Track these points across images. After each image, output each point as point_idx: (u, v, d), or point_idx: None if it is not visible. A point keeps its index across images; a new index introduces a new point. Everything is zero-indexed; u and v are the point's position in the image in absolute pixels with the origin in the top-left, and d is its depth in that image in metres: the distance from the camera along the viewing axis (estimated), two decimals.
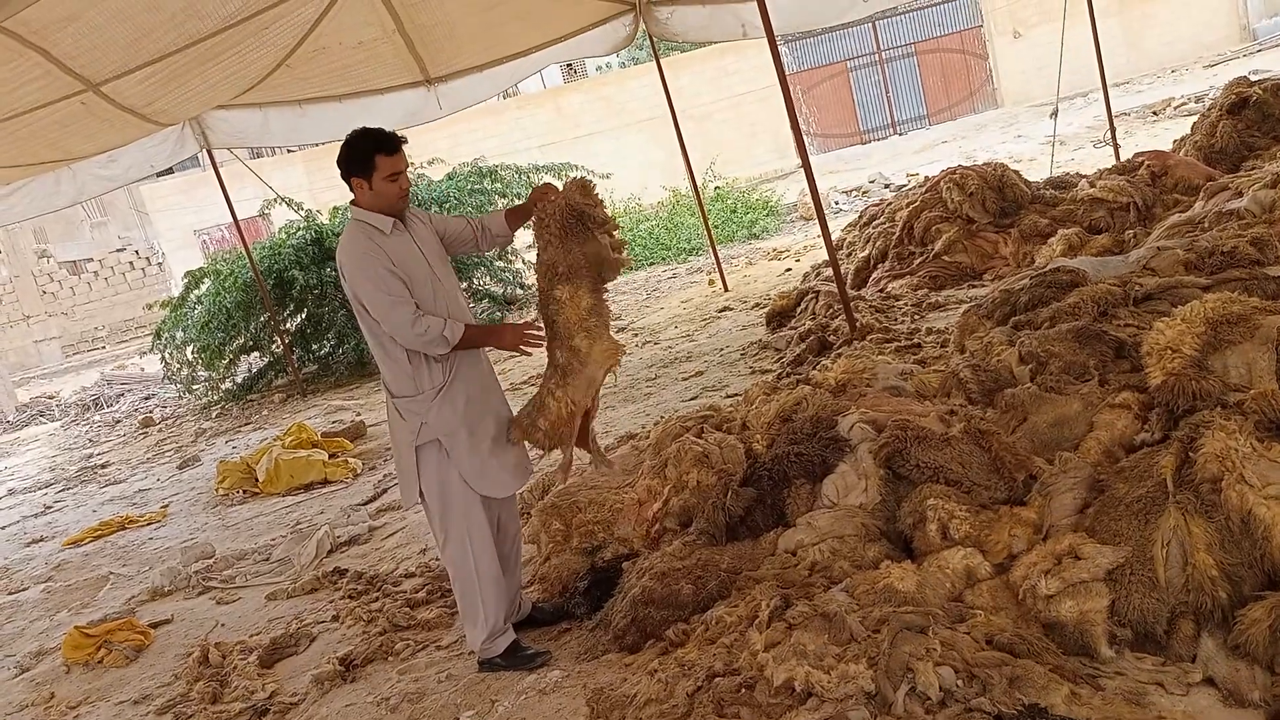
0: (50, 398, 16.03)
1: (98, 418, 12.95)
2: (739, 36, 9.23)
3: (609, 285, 3.51)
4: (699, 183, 11.09)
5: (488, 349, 3.51)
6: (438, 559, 4.46)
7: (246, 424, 9.97)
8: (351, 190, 3.32)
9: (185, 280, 11.52)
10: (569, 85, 26.32)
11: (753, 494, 3.58)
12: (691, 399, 6.32)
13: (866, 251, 8.47)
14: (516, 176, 12.28)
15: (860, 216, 9.48)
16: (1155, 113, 16.17)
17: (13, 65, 5.25)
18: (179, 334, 11.18)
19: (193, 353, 11.16)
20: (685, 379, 6.95)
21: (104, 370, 16.94)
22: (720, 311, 9.27)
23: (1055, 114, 11.34)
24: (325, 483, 6.79)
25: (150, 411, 12.08)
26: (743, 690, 2.68)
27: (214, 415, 10.85)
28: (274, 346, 11.22)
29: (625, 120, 23.35)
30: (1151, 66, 22.01)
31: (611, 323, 3.50)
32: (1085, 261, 4.90)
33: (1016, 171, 8.15)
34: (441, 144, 16.31)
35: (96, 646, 4.50)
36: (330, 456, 7.12)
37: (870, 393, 4.05)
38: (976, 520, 3.06)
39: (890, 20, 24.02)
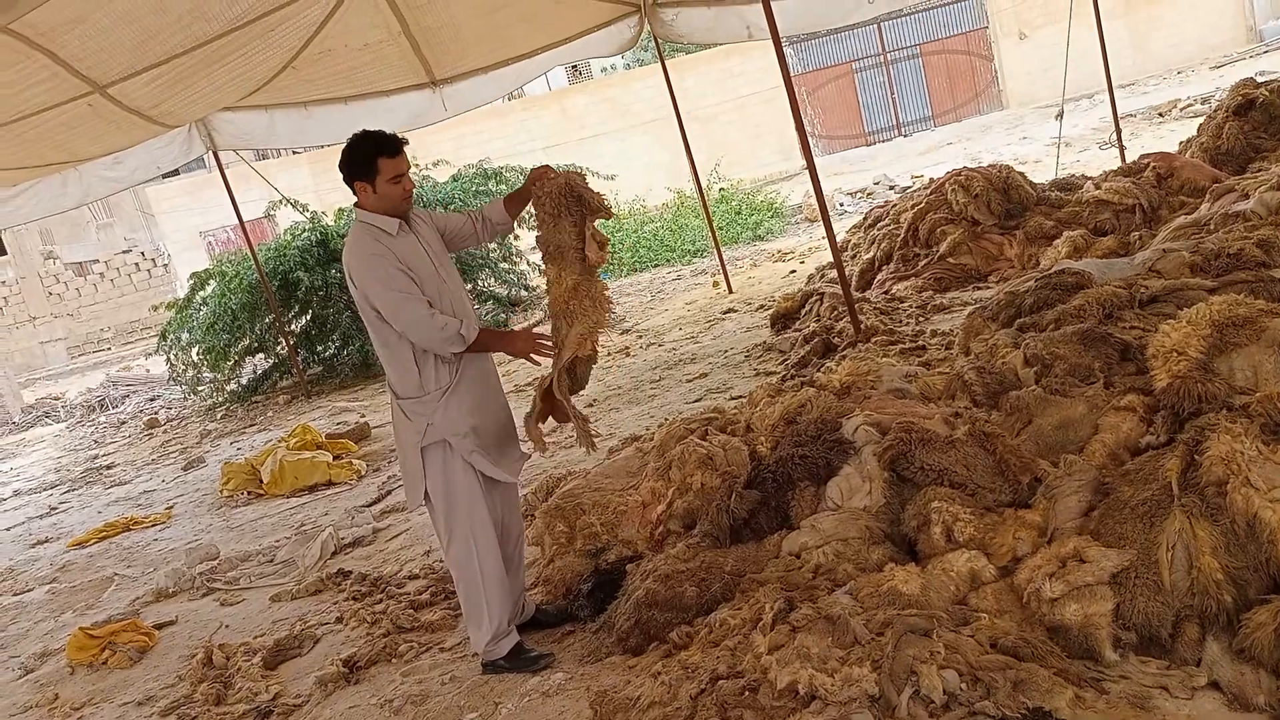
0: (56, 399, 16.08)
1: (103, 419, 12.99)
2: (744, 38, 9.23)
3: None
4: (704, 184, 11.09)
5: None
6: (442, 561, 4.46)
7: (251, 425, 9.99)
8: (355, 194, 3.32)
9: (191, 282, 11.55)
10: (574, 87, 26.34)
11: (757, 496, 3.57)
12: (696, 401, 6.32)
13: (871, 253, 8.46)
14: (521, 178, 12.28)
15: (865, 218, 9.47)
16: (1161, 114, 16.13)
17: (20, 67, 5.26)
18: (184, 335, 11.20)
19: (198, 354, 11.19)
20: (689, 381, 6.95)
21: (109, 371, 16.99)
22: (725, 313, 9.27)
23: (1060, 115, 11.32)
24: (330, 484, 6.80)
25: (155, 413, 12.11)
26: (746, 693, 2.67)
27: (219, 417, 10.87)
28: (279, 348, 11.24)
29: (630, 122, 23.36)
30: (1157, 68, 21.96)
31: (607, 308, 3.47)
32: (1090, 264, 4.89)
33: (1022, 173, 8.13)
34: (446, 146, 16.33)
35: (101, 648, 4.51)
36: (335, 458, 7.13)
37: (875, 395, 4.04)
38: (981, 523, 3.05)
39: (895, 21, 23.99)
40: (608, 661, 3.29)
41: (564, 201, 3.36)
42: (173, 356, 11.46)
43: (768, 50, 7.01)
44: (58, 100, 6.02)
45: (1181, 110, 15.79)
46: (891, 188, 15.27)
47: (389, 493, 6.23)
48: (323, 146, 12.31)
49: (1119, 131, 10.45)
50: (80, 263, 26.96)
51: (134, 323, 25.91)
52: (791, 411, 3.91)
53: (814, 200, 6.73)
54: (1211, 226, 5.32)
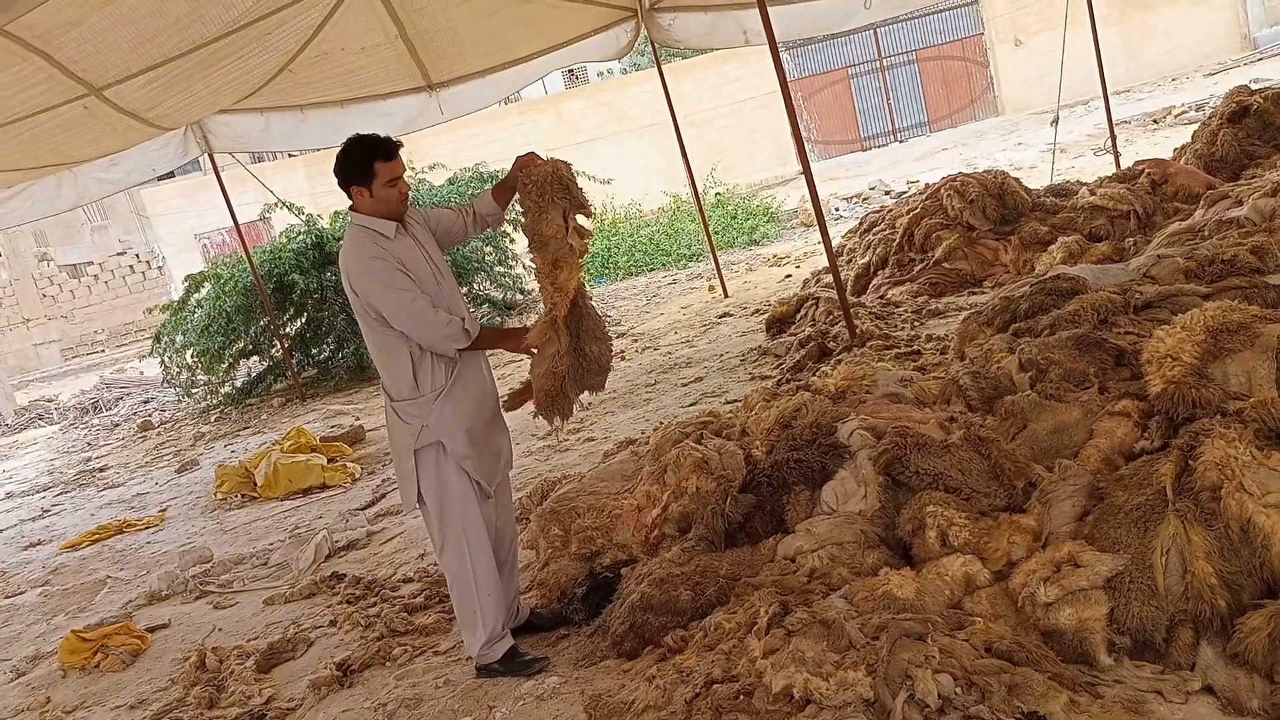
0: (49, 401, 16.03)
1: (96, 421, 12.95)
2: (741, 43, 9.25)
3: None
4: (700, 189, 11.10)
5: (488, 353, 3.51)
6: (436, 564, 4.46)
7: (245, 428, 9.96)
8: (350, 198, 3.31)
9: (185, 284, 11.52)
10: (570, 91, 26.37)
11: (752, 500, 3.57)
12: (691, 405, 6.32)
13: (867, 258, 8.47)
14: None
15: (861, 223, 9.49)
16: (1156, 121, 16.18)
17: (16, 69, 5.26)
18: (179, 338, 11.17)
19: (192, 356, 11.15)
20: (685, 385, 6.95)
21: (103, 374, 16.94)
22: (720, 317, 9.27)
23: (1056, 122, 11.37)
24: (324, 487, 6.78)
25: (149, 415, 12.08)
26: (741, 697, 2.67)
27: (213, 419, 10.84)
28: (273, 351, 11.22)
29: (627, 126, 23.39)
30: (1152, 75, 22.04)
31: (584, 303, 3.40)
32: (1085, 269, 4.90)
33: (1017, 179, 8.16)
34: (443, 149, 16.33)
35: (93, 651, 4.49)
36: (329, 461, 7.12)
37: (870, 399, 4.05)
38: (976, 527, 3.05)
39: (892, 27, 24.06)
40: (602, 665, 3.28)
41: (550, 191, 3.31)
42: (167, 359, 11.43)
43: (764, 55, 7.02)
44: (54, 102, 6.02)
45: (1176, 117, 15.85)
46: (887, 193, 15.30)
47: (383, 496, 6.22)
48: (318, 149, 12.33)
49: (1114, 138, 10.48)
50: (74, 265, 26.89)
51: (128, 325, 25.85)
52: (787, 416, 3.91)
53: (810, 205, 6.75)
54: (1206, 233, 5.34)
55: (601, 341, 3.46)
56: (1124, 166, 8.51)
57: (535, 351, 3.38)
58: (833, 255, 6.78)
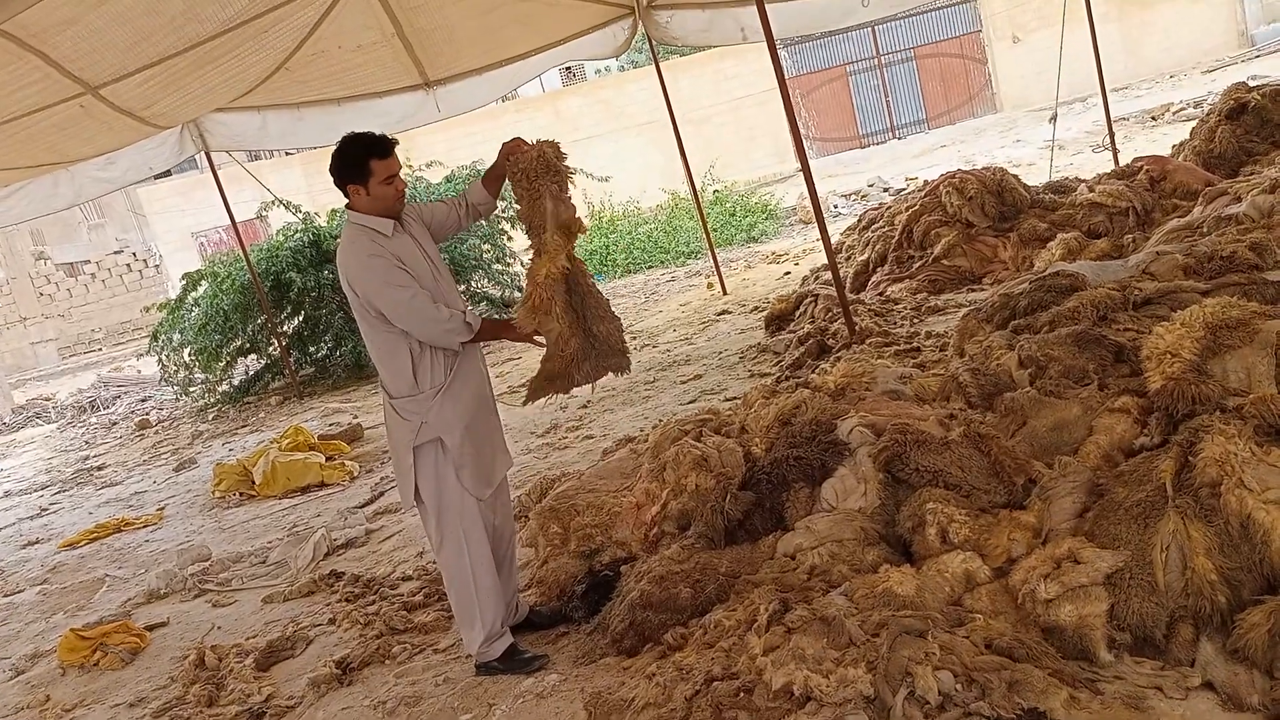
0: (47, 399, 16.00)
1: (94, 420, 12.93)
2: (738, 40, 9.24)
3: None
4: (698, 186, 11.09)
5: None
6: (434, 562, 4.45)
7: (243, 426, 9.95)
8: (347, 196, 3.30)
9: (183, 282, 11.51)
10: (568, 88, 26.36)
11: (751, 498, 3.57)
12: (690, 402, 6.32)
13: (865, 255, 8.47)
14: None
15: (859, 220, 9.49)
16: (1154, 118, 16.19)
17: (12, 68, 5.25)
18: (176, 336, 11.16)
19: (190, 355, 11.14)
20: (684, 382, 6.95)
21: (101, 372, 16.92)
22: (719, 315, 9.27)
23: (1054, 119, 11.35)
24: (322, 485, 6.78)
25: (147, 414, 12.06)
26: (741, 694, 2.67)
27: (211, 418, 10.83)
28: (271, 349, 11.20)
29: (624, 123, 23.37)
30: (1150, 72, 22.05)
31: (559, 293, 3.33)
32: (1084, 266, 4.90)
33: (1015, 176, 8.15)
34: (440, 147, 16.29)
35: (92, 649, 4.48)
36: (327, 459, 7.11)
37: (869, 396, 4.04)
38: (976, 524, 3.05)
39: (889, 25, 24.06)
40: (602, 663, 3.28)
41: (539, 174, 3.28)
42: (164, 357, 11.41)
43: (762, 53, 7.01)
44: (50, 101, 6.00)
45: (1174, 114, 15.86)
46: (886, 190, 15.30)
47: (381, 494, 6.21)
48: (315, 148, 12.31)
49: (1112, 135, 10.49)
50: (71, 263, 26.86)
51: (125, 323, 25.83)
52: (786, 413, 3.90)
53: (808, 202, 6.74)
54: (1204, 229, 5.34)
55: (609, 321, 3.42)
56: (1122, 163, 8.50)
57: (541, 340, 3.35)
58: (831, 252, 6.78)
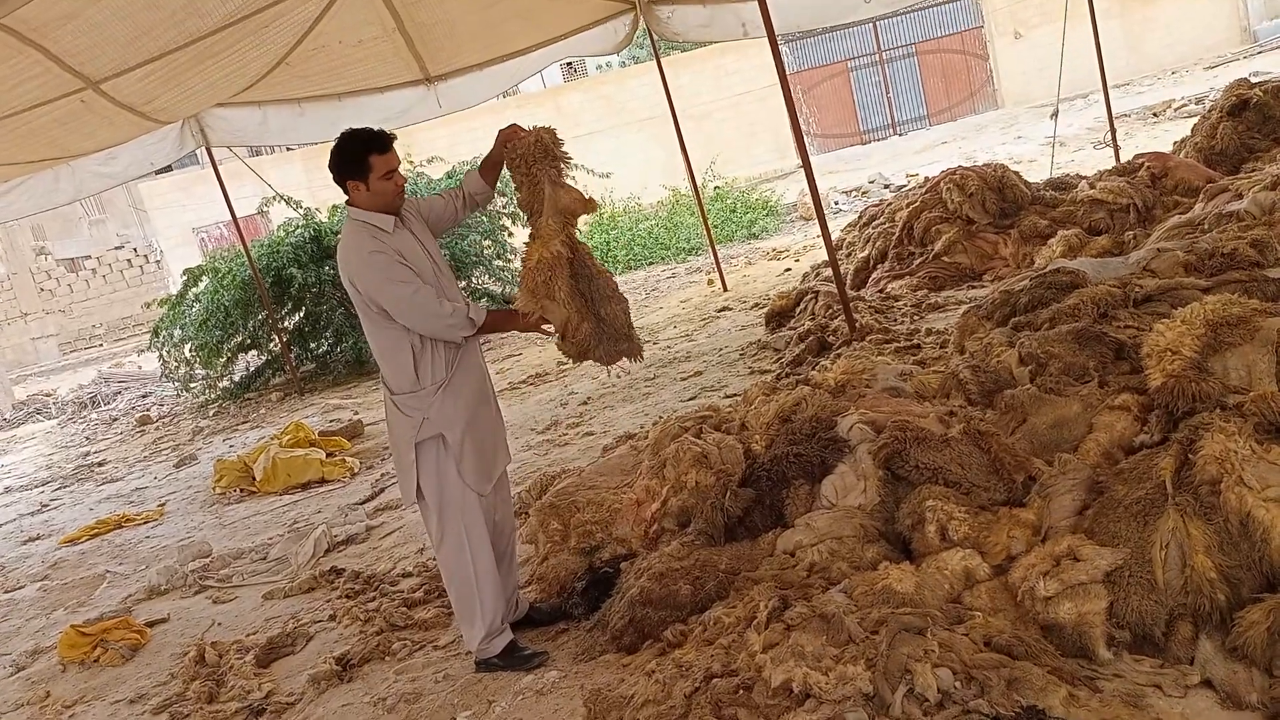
0: (47, 395, 16.02)
1: (95, 416, 12.94)
2: (739, 36, 9.22)
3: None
4: (699, 182, 11.09)
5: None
6: (435, 559, 4.45)
7: (244, 422, 9.96)
8: (347, 193, 3.29)
9: (183, 278, 11.51)
10: (569, 84, 26.33)
11: (751, 495, 3.57)
12: (690, 399, 6.32)
13: (866, 252, 8.46)
14: None
15: (860, 217, 9.48)
16: (1155, 114, 16.17)
17: (12, 63, 5.24)
18: (177, 332, 11.17)
19: (190, 351, 11.15)
20: (684, 379, 6.95)
21: (101, 368, 16.93)
22: (719, 311, 9.27)
23: (1055, 115, 11.35)
24: (322, 482, 6.78)
25: (148, 410, 12.08)
26: (740, 691, 2.67)
27: (211, 413, 10.84)
28: (272, 345, 11.21)
29: (625, 119, 23.35)
30: (1152, 68, 22.02)
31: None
32: (1085, 263, 4.89)
33: (1016, 172, 8.15)
34: (441, 143, 16.28)
35: (92, 645, 4.49)
36: (328, 455, 7.12)
37: (869, 393, 4.04)
38: (975, 521, 3.05)
39: (891, 20, 24.01)
40: (602, 660, 3.28)
41: (537, 159, 3.26)
42: (165, 353, 11.42)
43: (763, 48, 7.00)
44: (50, 96, 6.00)
45: (1176, 110, 15.84)
46: (886, 186, 15.28)
47: (382, 490, 6.22)
48: (316, 143, 12.30)
49: (1113, 131, 10.47)
50: (72, 259, 26.88)
51: (126, 319, 25.84)
52: (786, 410, 3.91)
53: (809, 199, 6.73)
54: (1206, 226, 5.34)
55: (616, 302, 3.39)
56: (1124, 160, 8.49)
57: (549, 328, 3.33)
58: (832, 249, 6.77)
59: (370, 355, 9.14)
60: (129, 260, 26.79)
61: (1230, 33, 22.59)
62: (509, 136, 3.34)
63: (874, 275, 8.21)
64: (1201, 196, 6.40)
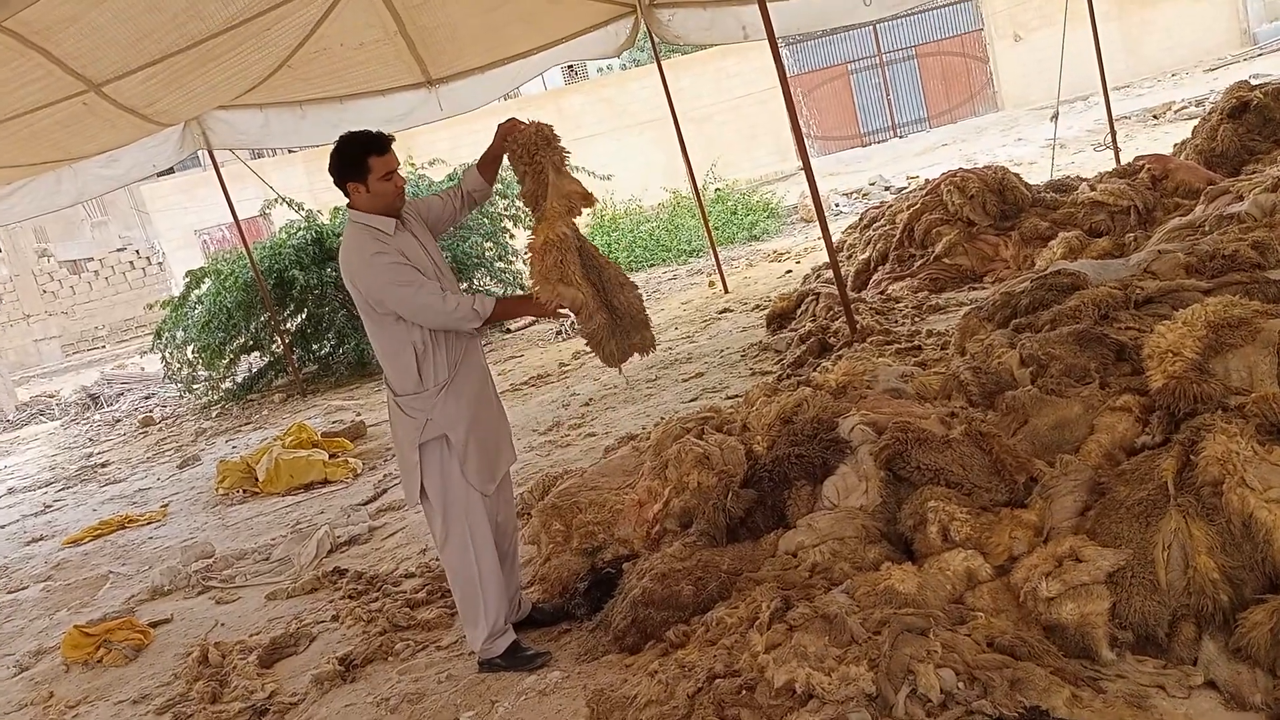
0: (50, 397, 16.03)
1: (98, 417, 12.95)
2: (740, 39, 9.24)
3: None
4: (699, 184, 11.09)
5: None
6: (438, 559, 4.46)
7: (246, 424, 9.97)
8: (347, 195, 3.30)
9: (186, 280, 11.52)
10: (570, 87, 26.33)
11: (753, 495, 3.58)
12: (692, 400, 6.32)
13: (867, 254, 8.47)
14: (516, 178, 12.24)
15: (860, 219, 9.48)
16: (1155, 116, 16.17)
17: (14, 65, 5.26)
18: (179, 333, 11.18)
19: (193, 352, 11.16)
20: (685, 380, 6.95)
21: (104, 369, 16.94)
22: (720, 313, 9.27)
23: (1055, 117, 11.36)
24: (325, 483, 6.79)
25: (150, 411, 12.08)
26: (743, 692, 2.67)
27: (214, 415, 10.84)
28: (274, 346, 11.22)
29: (626, 122, 23.36)
30: (1151, 70, 22.03)
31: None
32: (1086, 264, 4.90)
33: (1017, 174, 8.15)
34: (442, 145, 16.30)
35: (96, 646, 4.49)
36: (330, 456, 7.12)
37: (871, 395, 4.05)
38: (977, 522, 3.05)
39: (891, 23, 24.02)
40: (604, 660, 3.29)
41: (539, 147, 3.27)
42: (168, 355, 11.43)
43: (764, 51, 7.01)
44: (52, 98, 6.02)
45: (1176, 113, 15.84)
46: (887, 188, 15.29)
47: (385, 491, 6.22)
48: (317, 146, 12.32)
49: (1114, 133, 10.49)
50: (75, 261, 26.90)
51: (129, 321, 25.85)
52: (788, 411, 3.91)
53: (810, 201, 6.74)
54: (1206, 228, 5.34)
55: (628, 289, 3.39)
56: (1124, 162, 8.49)
57: (565, 312, 3.31)
58: (833, 251, 6.78)
59: (372, 357, 9.14)
60: (131, 262, 26.80)
61: (1230, 35, 22.60)
62: (509, 129, 3.36)
63: (875, 277, 8.21)
64: (1202, 198, 6.40)
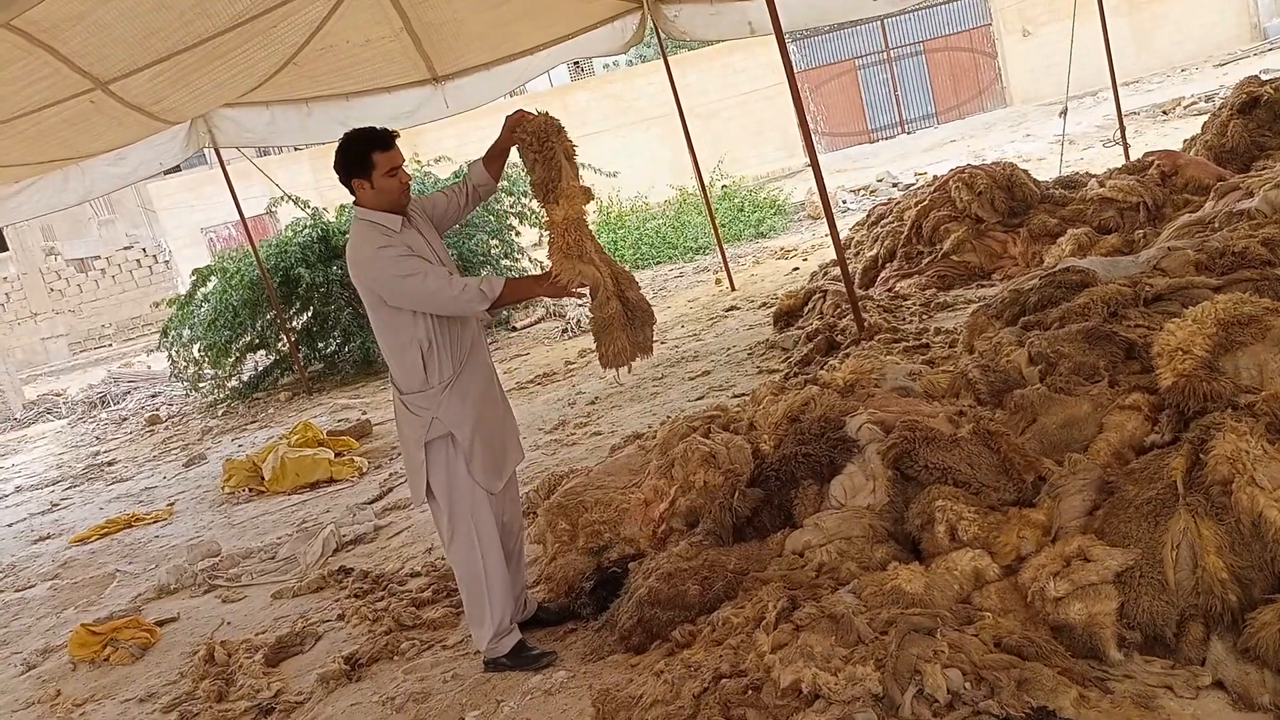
0: (57, 395, 16.09)
1: (104, 415, 12.99)
2: (747, 34, 9.21)
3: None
4: (706, 181, 11.07)
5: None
6: (443, 558, 4.46)
7: (252, 422, 9.99)
8: (353, 192, 3.30)
9: (192, 278, 11.56)
10: (576, 83, 26.31)
11: (760, 494, 3.57)
12: (698, 399, 6.31)
13: (874, 251, 8.44)
14: (523, 174, 12.27)
15: (868, 215, 9.45)
16: (1165, 112, 16.10)
17: (22, 64, 5.26)
18: (186, 332, 11.21)
19: (199, 350, 11.20)
20: (692, 379, 6.94)
21: (111, 368, 17.00)
22: (727, 311, 9.26)
23: (1064, 113, 11.29)
24: (331, 481, 6.80)
25: (157, 409, 12.12)
26: (749, 692, 2.66)
27: (220, 413, 10.87)
28: (280, 345, 11.25)
29: (632, 118, 23.33)
30: (1161, 65, 21.93)
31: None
32: (1095, 261, 4.87)
33: (1025, 171, 8.11)
34: (449, 142, 16.32)
35: (103, 644, 4.50)
36: (336, 455, 7.13)
37: (878, 393, 4.03)
38: (985, 522, 3.04)
39: (899, 18, 23.97)
40: (610, 660, 3.28)
41: (550, 134, 3.26)
42: (174, 353, 11.47)
43: (771, 46, 6.99)
44: (60, 97, 6.02)
45: (1185, 108, 15.76)
46: (895, 185, 15.24)
47: (390, 490, 6.23)
48: (323, 143, 12.34)
49: (1123, 129, 10.43)
50: (82, 259, 26.99)
51: (135, 319, 25.95)
52: (795, 409, 3.90)
53: (817, 197, 6.72)
54: (1216, 225, 5.30)
55: (635, 287, 3.38)
56: (1133, 158, 8.44)
57: (581, 290, 3.28)
58: (840, 248, 6.76)
59: (378, 355, 9.14)
60: (138, 260, 26.90)
61: (1240, 30, 22.48)
62: (518, 120, 3.35)
63: (882, 274, 8.19)
64: (1212, 195, 6.35)
